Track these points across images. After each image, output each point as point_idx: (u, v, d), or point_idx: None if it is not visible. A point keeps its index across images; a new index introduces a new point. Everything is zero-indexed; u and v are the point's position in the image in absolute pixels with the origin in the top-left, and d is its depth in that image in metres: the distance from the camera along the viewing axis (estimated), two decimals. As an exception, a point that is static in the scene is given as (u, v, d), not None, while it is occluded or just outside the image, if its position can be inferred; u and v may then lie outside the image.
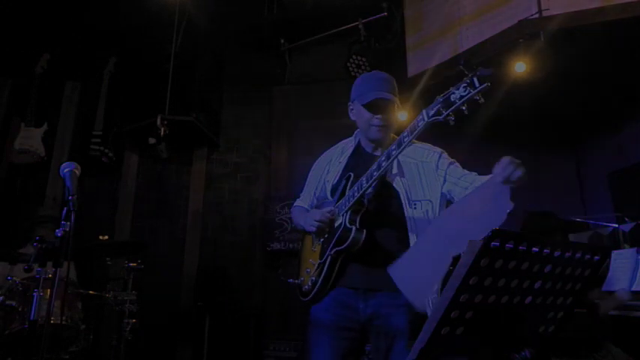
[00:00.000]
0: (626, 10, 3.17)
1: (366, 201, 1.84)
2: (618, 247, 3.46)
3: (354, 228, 1.77)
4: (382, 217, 1.85)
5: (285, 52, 5.34)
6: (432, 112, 1.55)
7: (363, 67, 4.68)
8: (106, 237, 3.84)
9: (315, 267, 1.92)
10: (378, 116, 1.88)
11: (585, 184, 5.24)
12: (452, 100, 1.49)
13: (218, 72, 5.23)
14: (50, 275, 2.10)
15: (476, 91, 1.43)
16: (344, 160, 2.04)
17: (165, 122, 4.46)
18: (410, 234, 1.82)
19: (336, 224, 1.86)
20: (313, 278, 1.91)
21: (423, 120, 1.58)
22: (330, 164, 2.09)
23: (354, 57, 4.67)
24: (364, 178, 1.77)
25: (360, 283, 1.82)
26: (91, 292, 3.47)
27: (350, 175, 1.89)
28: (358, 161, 1.99)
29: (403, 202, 1.85)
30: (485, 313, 1.13)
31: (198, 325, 4.47)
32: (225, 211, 5.16)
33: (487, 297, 1.11)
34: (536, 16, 3.36)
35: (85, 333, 3.27)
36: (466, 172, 1.88)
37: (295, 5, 4.93)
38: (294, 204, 2.26)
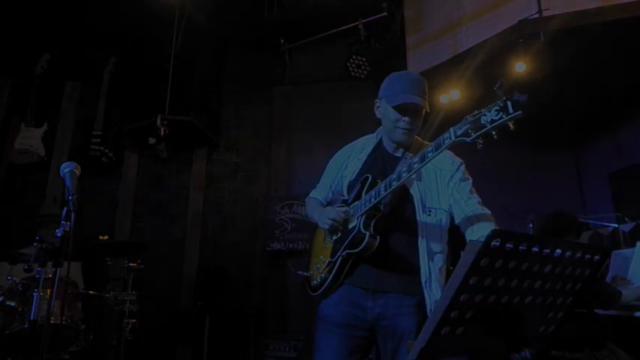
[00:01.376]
0: (626, 10, 3.17)
1: (382, 207, 1.83)
2: (618, 247, 3.47)
3: (368, 234, 1.76)
4: (395, 221, 1.85)
5: (285, 52, 5.34)
6: (459, 132, 1.50)
7: (363, 67, 4.68)
8: (106, 237, 3.84)
9: (326, 264, 1.93)
10: (405, 119, 1.85)
11: (585, 184, 5.24)
12: (482, 122, 1.42)
13: (218, 72, 5.23)
14: (50, 275, 2.10)
15: (509, 117, 1.36)
16: (363, 157, 2.02)
17: (165, 122, 4.46)
18: (420, 239, 1.82)
19: (350, 225, 1.86)
20: (323, 275, 1.93)
21: (450, 139, 1.54)
22: (349, 159, 2.08)
23: (354, 57, 4.67)
24: (382, 186, 1.75)
25: (369, 283, 1.83)
26: (91, 292, 3.47)
27: (368, 177, 1.87)
28: (377, 160, 1.98)
29: (417, 207, 1.84)
30: (485, 313, 1.13)
31: (198, 325, 4.47)
32: (225, 211, 5.16)
33: (487, 297, 1.11)
34: (536, 16, 3.36)
35: (85, 333, 3.27)
36: (473, 196, 1.87)
37: (295, 5, 4.92)
38: (309, 195, 2.25)
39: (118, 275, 3.81)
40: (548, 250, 1.11)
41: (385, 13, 4.71)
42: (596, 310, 2.60)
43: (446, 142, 1.55)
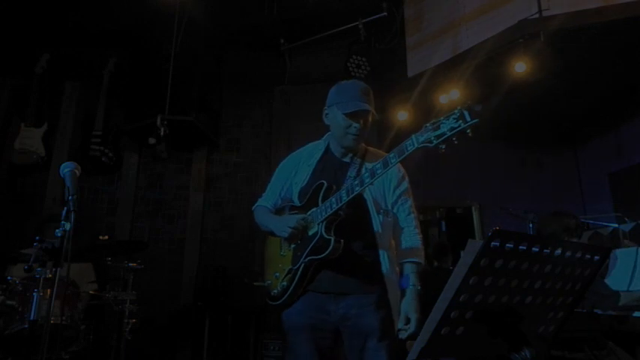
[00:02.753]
0: (626, 10, 3.17)
1: (342, 212, 1.87)
2: (618, 247, 3.47)
3: (333, 239, 1.80)
4: (353, 224, 1.90)
5: (285, 52, 5.34)
6: (422, 139, 1.60)
7: (363, 67, 4.68)
8: (106, 237, 3.84)
9: (286, 272, 1.95)
10: (356, 125, 1.94)
11: (585, 184, 5.25)
12: (442, 129, 1.54)
13: (218, 72, 5.23)
14: (50, 275, 2.10)
15: (467, 125, 1.49)
16: (313, 163, 2.08)
17: (165, 122, 4.46)
18: (378, 239, 1.92)
19: (310, 232, 1.89)
20: (284, 284, 1.94)
21: (413, 145, 1.63)
22: (298, 166, 2.13)
23: (354, 57, 4.67)
24: (344, 192, 1.80)
25: (331, 287, 1.88)
26: (91, 292, 3.48)
27: (323, 183, 1.91)
28: (327, 166, 2.05)
29: (371, 208, 1.93)
30: (486, 313, 1.13)
31: (198, 325, 4.47)
32: (225, 211, 5.17)
33: (487, 297, 1.11)
34: (536, 16, 3.36)
35: (85, 333, 3.27)
36: (413, 213, 2.03)
37: (295, 5, 4.92)
38: (257, 204, 2.25)
39: (118, 275, 3.80)
40: (548, 250, 1.11)
41: (385, 13, 4.71)
42: (595, 310, 2.60)
43: (409, 148, 1.64)
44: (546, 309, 1.23)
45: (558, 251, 1.12)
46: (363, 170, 1.89)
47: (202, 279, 4.86)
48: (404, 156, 1.66)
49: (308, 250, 1.86)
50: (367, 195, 1.93)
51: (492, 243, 1.03)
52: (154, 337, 4.50)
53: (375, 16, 4.74)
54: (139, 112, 4.73)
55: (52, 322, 2.75)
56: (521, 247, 1.06)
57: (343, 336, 1.88)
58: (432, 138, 1.57)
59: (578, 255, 1.17)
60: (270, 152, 5.35)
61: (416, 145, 1.62)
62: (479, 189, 5.31)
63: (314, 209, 1.89)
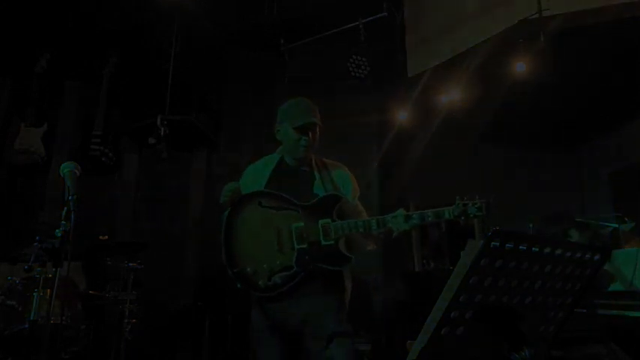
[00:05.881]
0: (626, 10, 3.17)
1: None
2: (619, 247, 3.46)
3: (353, 258, 1.98)
4: None
5: (285, 52, 5.34)
6: (455, 214, 1.95)
7: (363, 67, 4.68)
8: (106, 237, 3.83)
9: (281, 268, 1.95)
10: (306, 137, 2.13)
11: (585, 184, 5.25)
12: (468, 212, 1.95)
13: (218, 72, 5.23)
14: (50, 275, 2.10)
15: (483, 215, 1.94)
16: (267, 173, 2.25)
17: (165, 122, 4.46)
18: None
19: (324, 242, 1.97)
20: (277, 280, 1.95)
21: (449, 216, 1.95)
22: (254, 177, 2.27)
23: (354, 57, 4.67)
24: (374, 222, 1.98)
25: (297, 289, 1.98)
26: (91, 292, 3.48)
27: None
28: (283, 174, 2.22)
29: None
30: (486, 313, 1.13)
31: (198, 325, 4.47)
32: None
33: (487, 297, 1.11)
34: (536, 16, 3.36)
35: (85, 333, 3.27)
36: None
37: (295, 5, 4.92)
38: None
39: (118, 275, 3.80)
40: (548, 250, 1.11)
41: (385, 13, 4.70)
42: (596, 310, 2.60)
43: (446, 216, 1.96)
44: (546, 309, 1.23)
45: (558, 251, 1.12)
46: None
47: (202, 279, 4.86)
48: (439, 220, 1.97)
49: (321, 257, 1.95)
50: None
51: (492, 243, 1.03)
52: (154, 337, 4.49)
53: (375, 16, 4.73)
54: (139, 112, 4.73)
55: (52, 322, 2.75)
56: (521, 247, 1.06)
57: (306, 336, 1.97)
58: (462, 218, 1.95)
59: (578, 255, 1.17)
60: (270, 152, 5.34)
61: (450, 217, 1.96)
62: (479, 189, 5.30)
63: (338, 221, 1.99)
